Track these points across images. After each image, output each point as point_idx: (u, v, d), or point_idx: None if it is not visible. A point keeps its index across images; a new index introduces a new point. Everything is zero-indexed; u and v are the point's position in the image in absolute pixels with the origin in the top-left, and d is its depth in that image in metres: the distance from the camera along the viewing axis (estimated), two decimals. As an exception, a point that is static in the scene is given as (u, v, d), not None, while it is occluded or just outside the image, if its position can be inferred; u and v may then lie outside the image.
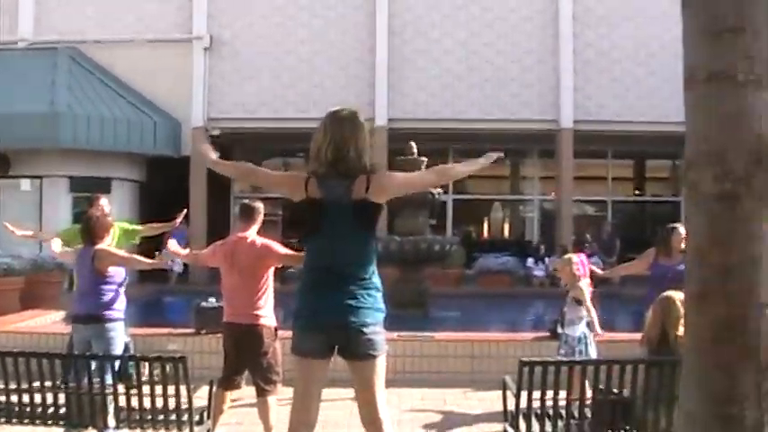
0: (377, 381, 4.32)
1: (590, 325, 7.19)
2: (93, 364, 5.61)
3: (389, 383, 8.45)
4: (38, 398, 5.56)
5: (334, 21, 21.01)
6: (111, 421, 5.49)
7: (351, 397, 4.85)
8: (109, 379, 5.54)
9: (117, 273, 6.77)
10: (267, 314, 6.31)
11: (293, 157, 23.18)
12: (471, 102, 20.91)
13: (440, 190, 13.57)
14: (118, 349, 6.71)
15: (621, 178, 25.38)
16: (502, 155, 4.70)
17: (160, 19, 21.08)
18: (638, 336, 6.12)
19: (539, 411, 5.42)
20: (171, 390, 5.34)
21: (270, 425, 6.27)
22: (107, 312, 6.65)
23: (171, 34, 21.01)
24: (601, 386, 5.43)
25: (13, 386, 5.53)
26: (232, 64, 21.08)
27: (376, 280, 4.36)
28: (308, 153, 4.43)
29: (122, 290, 6.89)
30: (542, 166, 24.12)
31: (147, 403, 5.36)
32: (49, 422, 5.64)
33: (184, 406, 5.37)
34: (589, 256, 19.32)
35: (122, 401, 5.46)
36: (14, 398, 5.58)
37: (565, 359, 6.47)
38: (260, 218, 6.58)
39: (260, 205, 6.65)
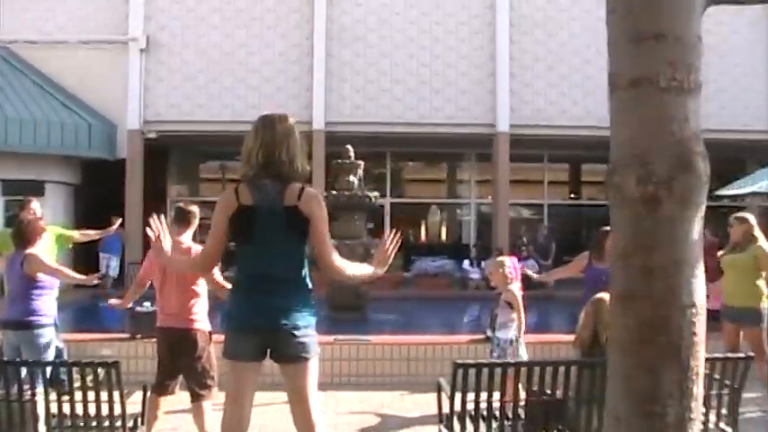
0: (309, 384, 4.31)
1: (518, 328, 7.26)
2: (24, 371, 5.52)
3: (327, 387, 8.50)
4: (-34, 406, 5.46)
5: (272, 24, 20.93)
6: (42, 429, 5.40)
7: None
8: (40, 386, 5.45)
9: (47, 278, 6.68)
10: (201, 318, 6.25)
11: (230, 161, 23.01)
12: (409, 106, 20.99)
13: (377, 193, 13.60)
14: (49, 355, 6.61)
15: (557, 182, 25.73)
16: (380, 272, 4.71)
17: (95, 20, 20.76)
18: (571, 338, 6.21)
19: (473, 413, 5.46)
20: (104, 396, 5.27)
21: (205, 430, 6.21)
22: (35, 318, 6.55)
23: (106, 35, 20.69)
24: (534, 387, 5.50)
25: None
26: (169, 66, 20.88)
27: (308, 283, 4.36)
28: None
29: (54, 294, 6.79)
30: (479, 169, 24.30)
31: (79, 410, 5.28)
32: (-22, 431, 5.54)
33: (117, 412, 5.30)
34: (525, 259, 19.62)
35: (54, 408, 5.38)
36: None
37: (498, 361, 6.52)
38: (195, 221, 6.53)
39: (195, 209, 6.60)
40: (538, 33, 21.32)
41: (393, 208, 23.47)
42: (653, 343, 2.76)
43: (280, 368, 4.32)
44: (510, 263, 7.44)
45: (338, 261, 4.36)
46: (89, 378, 5.30)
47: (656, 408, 2.75)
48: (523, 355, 7.11)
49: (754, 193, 15.70)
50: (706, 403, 5.79)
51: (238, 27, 20.89)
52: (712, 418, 5.86)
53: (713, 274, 9.05)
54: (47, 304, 6.67)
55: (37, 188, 17.98)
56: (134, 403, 5.89)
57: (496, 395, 5.46)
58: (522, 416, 5.60)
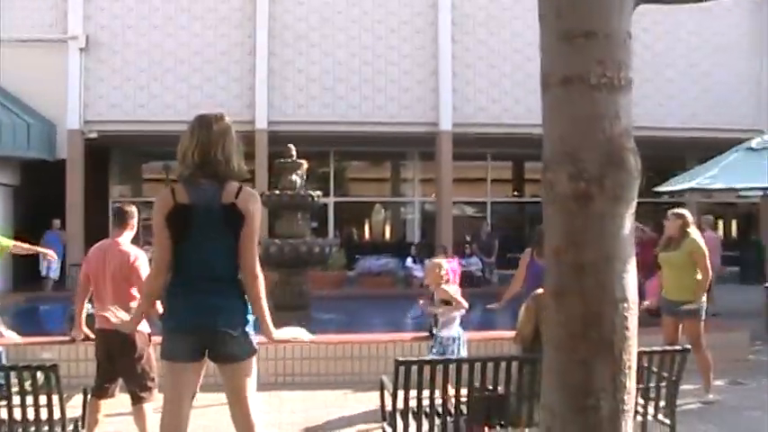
0: (248, 384, 4.30)
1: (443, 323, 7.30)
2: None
3: (271, 386, 8.49)
4: None
5: (214, 23, 20.74)
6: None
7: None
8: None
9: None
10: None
11: (173, 161, 22.60)
12: (352, 104, 20.96)
13: (319, 192, 13.58)
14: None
15: (500, 180, 25.86)
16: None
17: (34, 18, 20.33)
18: (513, 334, 6.26)
19: (415, 410, 5.49)
20: (43, 400, 5.19)
21: (146, 432, 6.16)
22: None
23: (45, 34, 20.31)
24: (476, 383, 5.54)
25: None
26: (110, 65, 20.56)
27: (246, 283, 4.35)
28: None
29: None
30: (423, 168, 24.35)
31: (17, 414, 5.20)
32: None
33: (57, 416, 5.23)
34: (469, 256, 19.77)
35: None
36: None
37: (439, 358, 6.55)
38: (132, 221, 6.47)
39: (132, 209, 6.53)
40: (480, 32, 21.41)
41: (337, 207, 23.44)
42: (586, 338, 2.80)
43: (218, 368, 4.30)
44: (448, 266, 7.48)
45: (259, 273, 4.32)
46: (28, 382, 5.21)
47: (590, 401, 2.79)
48: (464, 354, 7.15)
49: (692, 189, 15.93)
50: (645, 395, 5.90)
51: (180, 26, 20.66)
52: (651, 410, 5.98)
53: (653, 269, 9.22)
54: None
55: (-25, 190, 17.66)
56: (74, 407, 5.83)
57: (439, 392, 5.49)
58: (464, 412, 5.64)
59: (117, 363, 6.21)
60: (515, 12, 20.90)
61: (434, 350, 7.22)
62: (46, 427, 5.27)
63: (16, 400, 5.19)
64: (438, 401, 5.63)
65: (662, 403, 6.01)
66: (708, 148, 18.00)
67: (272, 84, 20.63)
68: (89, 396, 6.04)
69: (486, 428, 5.95)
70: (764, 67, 22.00)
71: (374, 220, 25.67)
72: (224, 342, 4.21)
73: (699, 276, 8.29)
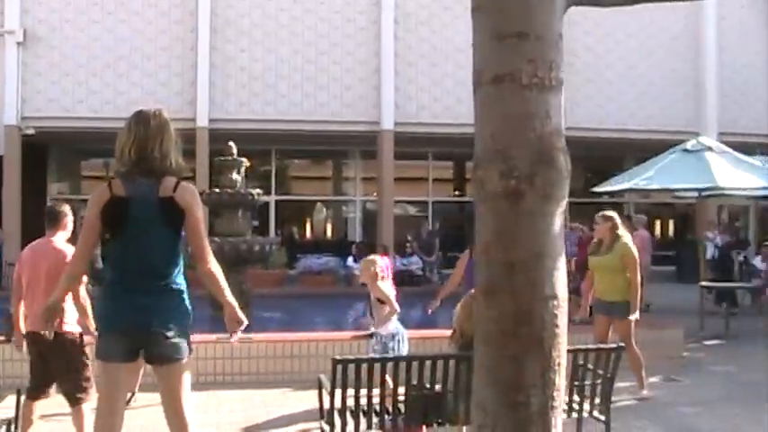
0: (182, 385, 4.26)
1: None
2: None
3: (209, 386, 8.44)
4: None
5: (155, 17, 20.52)
6: None
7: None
8: None
9: None
10: (71, 320, 6.04)
11: (113, 158, 22.43)
12: (293, 102, 20.91)
13: (259, 190, 13.51)
14: None
15: (442, 179, 26.02)
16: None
17: (-33, 12, 20.03)
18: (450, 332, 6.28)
19: (353, 408, 5.49)
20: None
21: (83, 433, 6.06)
22: None
23: (-20, 28, 19.99)
24: (414, 381, 5.56)
25: None
26: (48, 60, 20.24)
27: (181, 281, 4.30)
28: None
29: None
30: (364, 167, 24.39)
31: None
32: None
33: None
34: (410, 255, 19.83)
35: None
36: None
37: (377, 356, 6.56)
38: (66, 221, 6.33)
39: (65, 208, 6.40)
40: (422, 30, 21.51)
41: (278, 205, 23.37)
42: (516, 335, 2.83)
43: (152, 368, 4.25)
44: (382, 263, 7.48)
45: (214, 265, 4.30)
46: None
47: (521, 397, 2.82)
48: (404, 351, 7.16)
49: (630, 190, 16.16)
50: (580, 392, 5.97)
51: (119, 21, 20.42)
52: (586, 406, 6.05)
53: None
54: None
55: None
56: (7, 408, 5.71)
57: (377, 390, 5.50)
58: (402, 410, 5.66)
59: (50, 364, 6.09)
60: (457, 11, 20.98)
61: (376, 348, 7.23)
62: (-23, 429, 5.18)
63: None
64: (376, 400, 5.64)
65: (597, 400, 6.09)
66: (645, 149, 18.31)
67: (213, 80, 20.50)
68: (23, 397, 5.93)
69: (425, 427, 5.98)
70: (699, 69, 22.40)
71: (315, 219, 25.63)
72: (158, 343, 4.16)
73: (630, 276, 8.41)
